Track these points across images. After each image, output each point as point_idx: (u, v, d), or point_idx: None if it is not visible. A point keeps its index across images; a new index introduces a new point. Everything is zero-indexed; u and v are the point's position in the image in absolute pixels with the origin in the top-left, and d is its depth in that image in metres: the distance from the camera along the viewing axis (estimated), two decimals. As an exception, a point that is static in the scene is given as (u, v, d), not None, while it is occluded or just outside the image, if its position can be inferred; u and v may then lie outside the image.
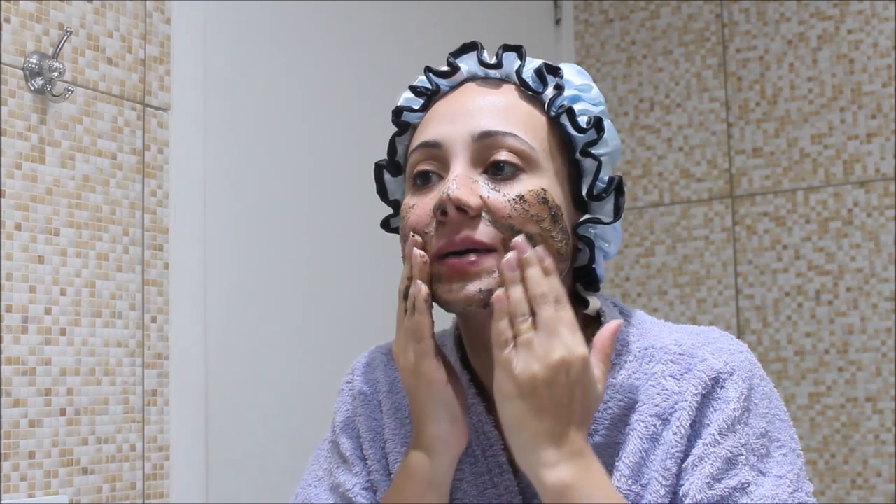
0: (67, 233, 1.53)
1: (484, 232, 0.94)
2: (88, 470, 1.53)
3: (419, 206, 0.97)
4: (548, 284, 0.91)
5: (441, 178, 0.97)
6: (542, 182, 0.96)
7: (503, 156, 0.96)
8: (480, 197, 0.94)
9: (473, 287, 0.93)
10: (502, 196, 0.94)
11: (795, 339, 2.45)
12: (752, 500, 0.92)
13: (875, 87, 2.41)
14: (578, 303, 1.04)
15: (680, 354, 0.99)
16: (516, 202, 0.94)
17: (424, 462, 0.97)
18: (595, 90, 1.03)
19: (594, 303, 1.03)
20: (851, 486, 2.36)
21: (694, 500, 0.92)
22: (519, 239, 0.93)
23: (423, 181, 0.98)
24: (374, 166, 1.07)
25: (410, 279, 0.95)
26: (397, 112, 1.04)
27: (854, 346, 2.38)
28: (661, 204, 2.63)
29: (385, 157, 1.07)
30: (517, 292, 0.91)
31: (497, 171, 0.96)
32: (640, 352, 1.01)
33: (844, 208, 2.42)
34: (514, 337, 0.91)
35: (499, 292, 0.92)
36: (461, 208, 0.93)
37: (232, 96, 1.83)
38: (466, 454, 1.03)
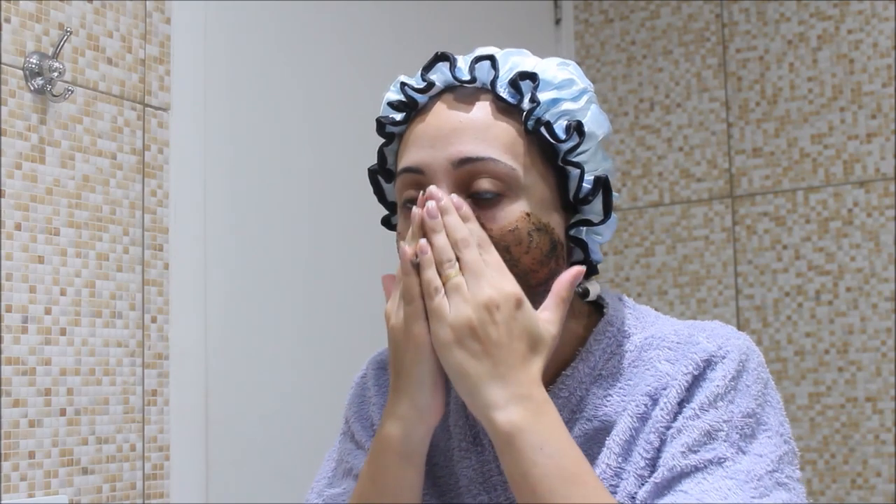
0: (67, 233, 1.53)
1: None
2: (88, 470, 1.53)
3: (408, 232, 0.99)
4: (468, 229, 0.93)
5: None
6: (525, 204, 0.97)
7: (484, 183, 0.96)
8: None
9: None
10: (485, 225, 0.96)
11: (795, 339, 2.45)
12: (727, 473, 0.91)
13: (875, 87, 2.41)
14: (579, 294, 1.04)
15: (677, 342, 1.00)
16: (497, 231, 0.95)
17: (398, 432, 0.96)
18: (577, 83, 1.01)
19: (594, 288, 1.03)
20: (851, 486, 2.36)
21: (667, 466, 0.92)
22: (432, 188, 0.94)
23: (412, 205, 0.99)
24: (367, 172, 1.07)
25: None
26: (380, 124, 1.04)
27: (854, 346, 2.38)
28: (661, 204, 2.63)
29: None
30: (440, 239, 0.93)
31: (480, 194, 0.96)
32: (640, 342, 1.02)
33: (844, 208, 2.42)
34: (444, 284, 0.92)
35: (422, 242, 0.93)
36: None
37: (232, 96, 1.83)
38: (474, 443, 1.04)
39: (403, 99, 1.03)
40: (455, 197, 0.94)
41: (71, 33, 1.53)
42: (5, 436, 1.43)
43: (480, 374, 0.90)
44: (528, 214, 0.96)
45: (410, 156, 0.99)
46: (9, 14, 1.47)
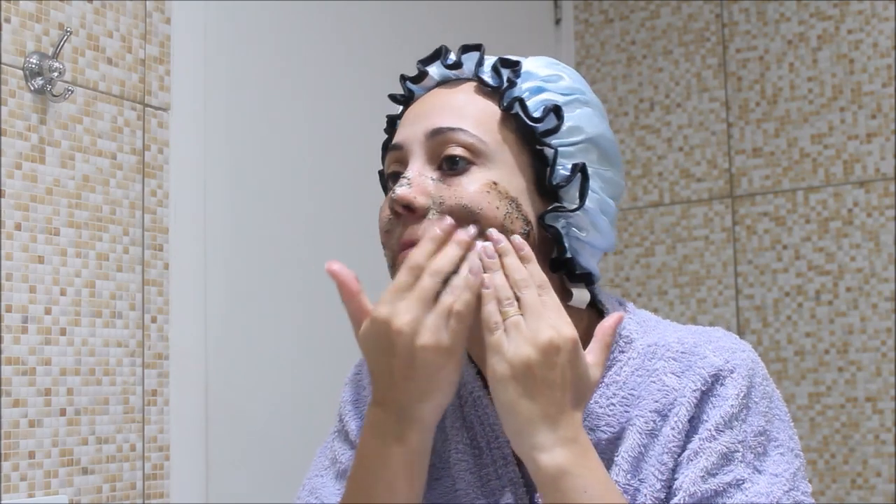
0: (67, 233, 1.53)
1: (430, 229, 0.95)
2: (88, 470, 1.53)
3: (386, 206, 1.01)
4: (527, 271, 0.93)
5: None
6: (493, 174, 0.98)
7: (454, 150, 0.98)
8: (430, 194, 0.97)
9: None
10: (452, 192, 0.97)
11: (795, 339, 2.45)
12: (747, 496, 0.92)
13: (875, 87, 2.41)
14: (565, 295, 1.04)
15: (682, 352, 0.99)
16: (466, 196, 0.96)
17: (417, 437, 0.94)
18: (566, 80, 1.03)
19: (580, 295, 1.03)
20: (851, 486, 2.36)
21: (687, 492, 0.93)
22: (492, 231, 0.95)
23: (394, 182, 1.02)
24: (378, 174, 1.10)
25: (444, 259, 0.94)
26: (390, 122, 1.08)
27: (854, 346, 2.38)
28: (661, 204, 2.63)
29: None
30: (498, 278, 0.93)
31: (450, 167, 0.98)
32: (643, 349, 1.01)
33: (844, 208, 2.42)
34: (504, 321, 0.92)
35: (486, 277, 0.94)
36: (407, 207, 0.97)
37: (232, 96, 1.83)
38: (471, 446, 1.04)
39: (402, 91, 1.07)
40: (517, 238, 0.95)
41: (71, 33, 1.53)
42: (5, 436, 1.43)
43: (531, 415, 0.90)
44: (494, 183, 0.97)
45: (396, 135, 1.03)
46: (9, 14, 1.47)
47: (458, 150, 0.98)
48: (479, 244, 0.94)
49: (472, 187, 0.97)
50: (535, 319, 0.91)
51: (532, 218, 0.99)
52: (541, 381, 0.90)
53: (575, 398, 0.92)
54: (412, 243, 0.96)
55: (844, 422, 2.37)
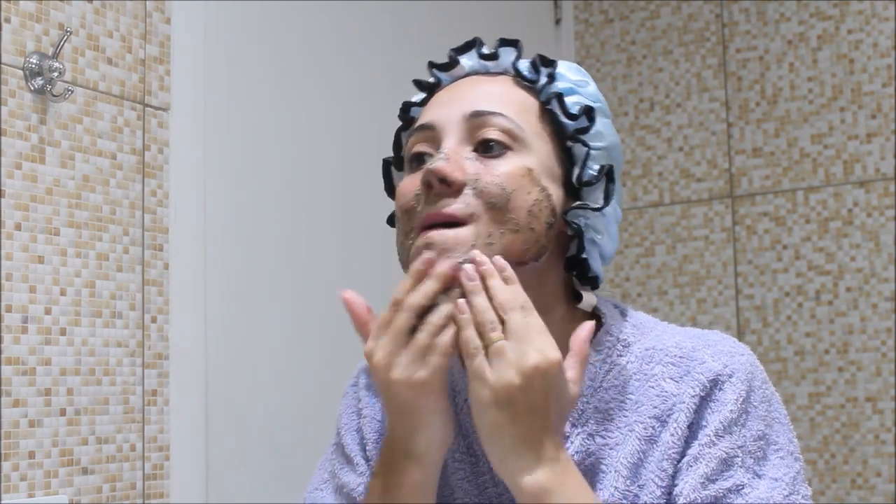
0: (67, 233, 1.53)
1: (466, 205, 0.95)
2: (88, 470, 1.53)
3: (410, 183, 0.99)
4: (511, 292, 0.91)
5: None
6: (529, 161, 0.98)
7: (492, 134, 0.97)
8: (466, 171, 0.96)
9: (445, 263, 0.93)
10: (488, 171, 0.96)
11: (795, 339, 2.45)
12: (746, 501, 0.92)
13: (875, 87, 2.41)
14: (573, 297, 1.04)
15: (680, 357, 0.99)
16: (502, 177, 0.96)
17: (418, 471, 0.95)
18: (592, 87, 1.04)
19: (589, 298, 1.03)
20: (851, 486, 2.36)
21: (687, 499, 0.93)
22: (475, 253, 0.93)
23: (418, 162, 1.01)
24: (381, 163, 1.08)
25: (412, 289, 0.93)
26: (405, 108, 1.07)
27: (854, 346, 2.38)
28: (661, 204, 2.63)
29: (390, 154, 1.08)
30: (480, 301, 0.91)
31: (486, 149, 0.97)
32: (641, 352, 1.01)
33: (844, 208, 2.42)
34: (486, 346, 0.90)
35: (461, 302, 0.92)
36: (444, 180, 0.95)
37: (232, 96, 1.83)
38: (468, 454, 1.03)
39: (430, 78, 1.06)
40: (498, 259, 0.93)
41: (71, 33, 1.53)
42: (5, 436, 1.42)
43: (514, 438, 0.90)
44: (530, 170, 0.97)
45: (426, 115, 1.02)
46: (9, 14, 1.47)
47: (496, 134, 0.97)
48: (464, 267, 0.93)
49: (507, 169, 0.96)
50: (520, 343, 0.89)
51: (558, 210, 0.99)
52: (522, 407, 0.89)
53: (556, 419, 0.91)
54: (440, 220, 0.95)
55: (844, 422, 2.37)
